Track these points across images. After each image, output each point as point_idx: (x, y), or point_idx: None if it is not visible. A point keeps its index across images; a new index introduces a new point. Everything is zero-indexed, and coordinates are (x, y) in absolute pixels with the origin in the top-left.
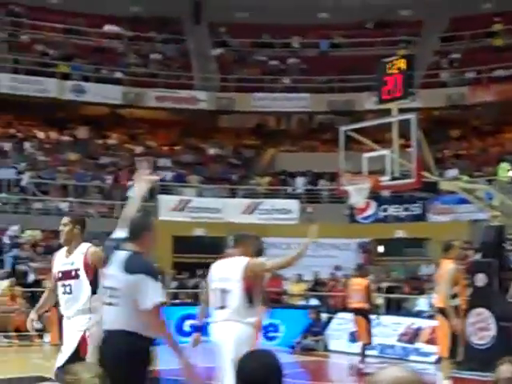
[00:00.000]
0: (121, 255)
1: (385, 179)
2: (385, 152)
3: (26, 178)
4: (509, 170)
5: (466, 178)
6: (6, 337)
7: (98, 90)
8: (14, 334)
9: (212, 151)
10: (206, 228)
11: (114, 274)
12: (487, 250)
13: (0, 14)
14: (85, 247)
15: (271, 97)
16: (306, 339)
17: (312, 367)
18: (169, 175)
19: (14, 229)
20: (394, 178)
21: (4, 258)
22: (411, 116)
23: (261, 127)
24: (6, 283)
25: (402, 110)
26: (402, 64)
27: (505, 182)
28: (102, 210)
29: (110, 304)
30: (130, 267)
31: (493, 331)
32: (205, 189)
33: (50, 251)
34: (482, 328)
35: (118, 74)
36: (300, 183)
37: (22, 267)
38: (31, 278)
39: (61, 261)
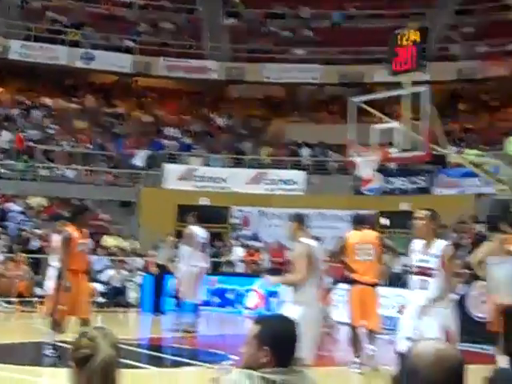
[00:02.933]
0: None
1: (394, 151)
2: (394, 124)
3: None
4: None
5: (475, 151)
6: (8, 302)
7: (107, 58)
8: (17, 299)
9: (220, 121)
10: (211, 197)
11: None
12: (493, 223)
13: None
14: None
15: (282, 68)
16: None
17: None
18: (176, 144)
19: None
20: (403, 151)
21: (9, 224)
22: (423, 89)
23: (270, 98)
24: None
25: (412, 83)
26: (416, 36)
27: None
28: (108, 179)
29: None
30: None
31: None
32: (212, 158)
33: (55, 218)
34: (484, 301)
35: (129, 43)
36: (306, 154)
37: (26, 234)
38: (35, 244)
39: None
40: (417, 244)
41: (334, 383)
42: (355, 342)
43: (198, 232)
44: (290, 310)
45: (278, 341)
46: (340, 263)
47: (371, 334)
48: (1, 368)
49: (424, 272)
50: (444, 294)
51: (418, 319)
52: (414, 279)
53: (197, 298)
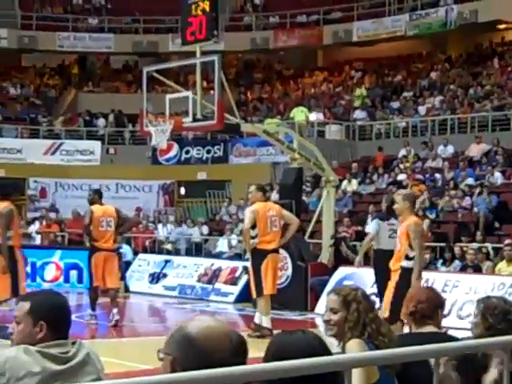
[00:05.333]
0: None
1: (187, 120)
2: (187, 94)
3: None
4: (305, 113)
5: (273, 120)
6: None
7: None
8: None
9: (13, 91)
10: (5, 169)
11: None
12: (286, 192)
13: None
14: None
15: (76, 36)
16: None
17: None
18: None
19: None
20: (195, 120)
21: None
22: (214, 58)
23: (64, 67)
24: None
25: (206, 53)
26: (206, 6)
27: (304, 126)
28: None
29: None
30: None
31: (289, 271)
32: (5, 129)
33: None
34: (279, 268)
35: None
36: (102, 124)
37: None
38: None
39: None
40: None
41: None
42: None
43: None
44: None
45: (52, 314)
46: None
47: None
48: None
49: None
50: None
51: None
52: None
53: None
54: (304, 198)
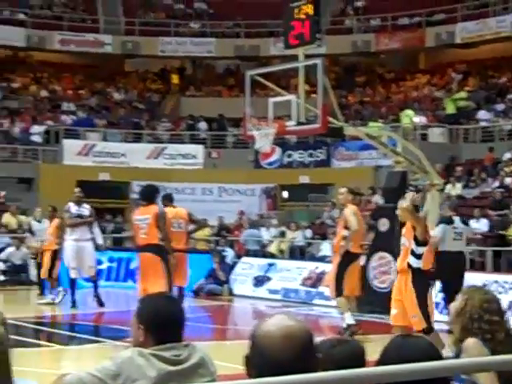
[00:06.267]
0: None
1: (290, 124)
2: (290, 97)
3: None
4: (411, 117)
5: (377, 124)
6: None
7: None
8: None
9: (117, 95)
10: (110, 173)
11: None
12: (390, 195)
13: None
14: None
15: (177, 41)
16: (209, 284)
17: (216, 311)
18: (73, 119)
19: None
20: (299, 123)
21: None
22: (317, 61)
23: (166, 71)
24: None
25: (308, 56)
26: (309, 9)
27: (408, 129)
28: (3, 155)
29: None
30: None
31: (393, 275)
32: (109, 133)
33: None
34: (383, 272)
35: (21, 16)
36: (204, 128)
37: None
38: None
39: None
40: None
41: None
42: None
43: (73, 208)
44: None
45: (151, 319)
46: None
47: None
48: None
49: None
50: None
51: None
52: None
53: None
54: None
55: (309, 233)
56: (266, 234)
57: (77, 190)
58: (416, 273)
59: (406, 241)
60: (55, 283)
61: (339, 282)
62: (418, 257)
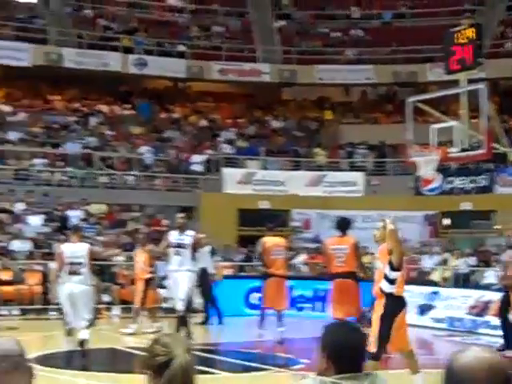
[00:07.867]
0: None
1: (454, 150)
2: (453, 123)
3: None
4: None
5: None
6: None
7: (160, 64)
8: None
9: (275, 124)
10: (270, 201)
11: None
12: None
13: None
14: None
15: (334, 69)
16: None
17: None
18: (233, 148)
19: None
20: (463, 150)
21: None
22: (481, 86)
23: (324, 99)
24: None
25: (468, 81)
26: (471, 33)
27: None
28: (166, 184)
29: None
30: None
31: None
32: (269, 161)
33: (116, 225)
34: None
35: (181, 48)
36: (364, 155)
37: (87, 241)
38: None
39: None
40: None
41: None
42: None
43: (172, 236)
44: None
45: (334, 348)
46: None
47: None
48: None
49: None
50: None
51: None
52: None
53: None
54: None
55: (472, 260)
56: (428, 261)
57: (180, 215)
58: (388, 298)
59: (381, 264)
60: (151, 313)
61: None
62: (391, 282)
